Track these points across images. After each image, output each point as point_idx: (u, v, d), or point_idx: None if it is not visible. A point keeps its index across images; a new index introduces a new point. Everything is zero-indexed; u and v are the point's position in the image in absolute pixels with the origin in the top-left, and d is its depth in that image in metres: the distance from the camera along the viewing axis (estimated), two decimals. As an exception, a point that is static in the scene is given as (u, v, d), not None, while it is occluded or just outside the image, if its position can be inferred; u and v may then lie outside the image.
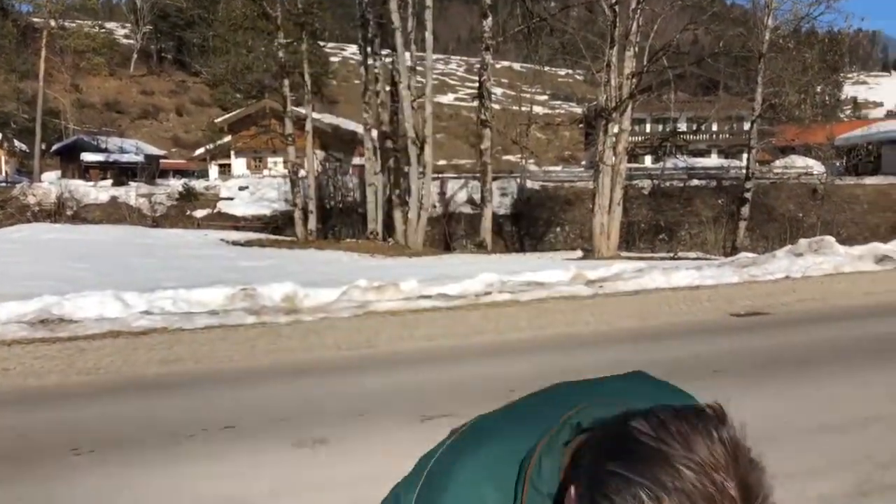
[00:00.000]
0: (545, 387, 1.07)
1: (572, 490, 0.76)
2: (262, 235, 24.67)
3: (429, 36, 22.10)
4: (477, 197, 26.72)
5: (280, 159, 39.12)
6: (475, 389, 4.98)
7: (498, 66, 68.04)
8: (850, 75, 62.91)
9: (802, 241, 12.26)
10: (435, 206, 26.61)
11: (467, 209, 29.12)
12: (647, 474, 0.67)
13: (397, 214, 22.45)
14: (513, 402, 1.04)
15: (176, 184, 37.15)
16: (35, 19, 56.67)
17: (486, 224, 23.21)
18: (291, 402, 4.87)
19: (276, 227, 28.15)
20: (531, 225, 29.44)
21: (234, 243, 20.85)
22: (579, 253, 19.00)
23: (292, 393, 5.10)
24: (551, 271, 10.61)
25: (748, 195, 26.88)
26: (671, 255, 18.54)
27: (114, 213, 30.59)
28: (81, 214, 30.12)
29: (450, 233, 25.59)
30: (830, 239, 12.10)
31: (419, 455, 1.39)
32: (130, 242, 19.00)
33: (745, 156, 29.91)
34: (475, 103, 28.32)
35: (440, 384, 5.26)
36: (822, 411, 4.40)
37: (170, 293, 8.39)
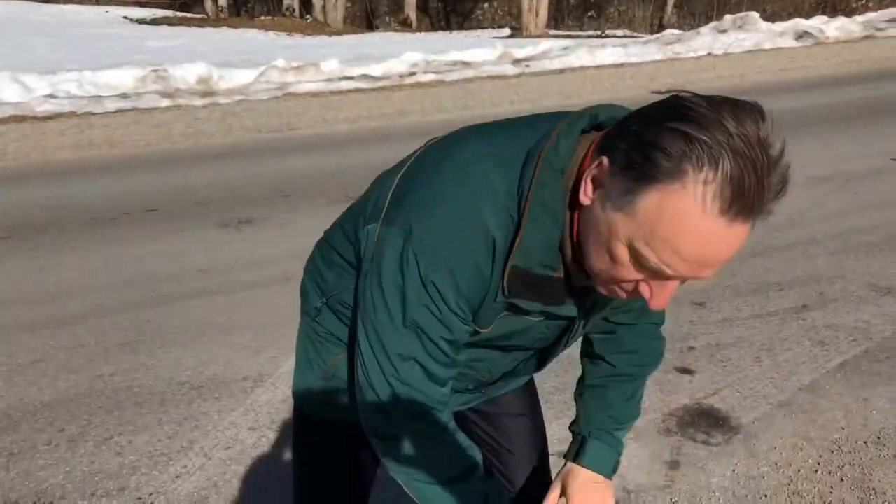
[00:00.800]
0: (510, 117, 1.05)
1: (605, 160, 0.78)
2: (170, 12, 22.80)
3: None
4: (400, -31, 25.00)
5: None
6: (399, 169, 5.04)
7: None
8: None
9: (728, 18, 12.20)
10: (356, -20, 24.86)
11: (391, -17, 27.36)
12: (705, 133, 0.71)
13: (315, -12, 20.94)
14: (497, 122, 1.00)
15: (64, -48, 33.23)
16: None
17: (411, -1, 22.01)
18: (212, 184, 4.84)
19: (184, 2, 25.98)
20: (458, 0, 28.07)
21: (140, 21, 19.30)
22: (507, 31, 18.47)
23: (212, 176, 5.04)
24: (478, 50, 10.36)
25: (680, -31, 26.03)
26: (599, 32, 18.21)
27: (-4, -14, 27.48)
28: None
29: (372, 9, 24.21)
30: (755, 15, 12.07)
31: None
32: (20, 20, 17.33)
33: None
34: None
35: (365, 165, 5.24)
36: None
37: (74, 75, 7.89)
